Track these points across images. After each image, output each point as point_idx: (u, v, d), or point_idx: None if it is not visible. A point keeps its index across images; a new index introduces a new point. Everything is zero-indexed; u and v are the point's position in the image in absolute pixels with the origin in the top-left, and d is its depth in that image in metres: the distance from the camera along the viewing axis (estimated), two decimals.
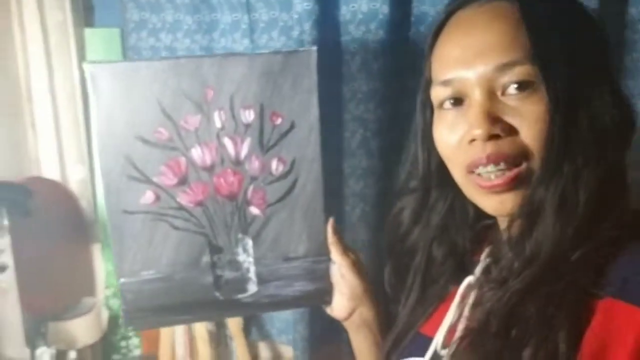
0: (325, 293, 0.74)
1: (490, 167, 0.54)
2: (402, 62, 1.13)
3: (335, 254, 0.73)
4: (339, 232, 0.74)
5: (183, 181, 0.68)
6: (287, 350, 1.37)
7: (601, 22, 0.59)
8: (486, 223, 0.66)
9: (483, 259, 0.63)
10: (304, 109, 0.69)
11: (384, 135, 1.15)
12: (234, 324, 1.22)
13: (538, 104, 0.53)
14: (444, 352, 0.60)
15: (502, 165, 0.54)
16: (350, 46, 1.27)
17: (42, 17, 1.26)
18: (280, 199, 0.71)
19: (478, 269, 0.62)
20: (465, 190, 0.59)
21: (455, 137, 0.57)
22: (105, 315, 1.30)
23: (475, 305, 0.59)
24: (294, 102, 0.69)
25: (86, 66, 0.63)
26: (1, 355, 0.92)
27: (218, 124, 0.67)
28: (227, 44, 1.29)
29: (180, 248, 0.70)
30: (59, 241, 1.10)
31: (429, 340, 0.62)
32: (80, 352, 1.14)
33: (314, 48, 0.69)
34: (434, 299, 0.67)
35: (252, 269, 0.72)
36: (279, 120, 0.69)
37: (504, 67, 0.54)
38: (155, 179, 0.67)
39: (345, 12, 1.26)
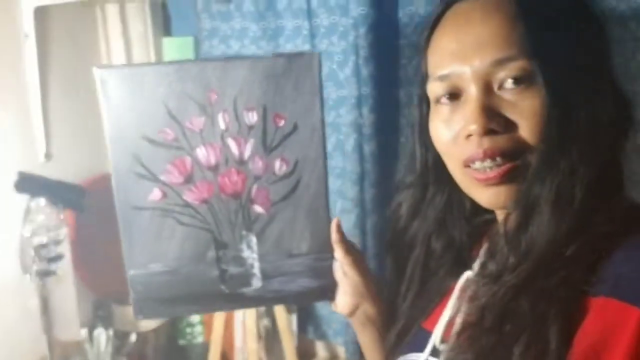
0: (328, 290, 0.75)
1: (487, 162, 0.54)
2: None
3: (338, 252, 0.74)
4: (342, 231, 0.75)
5: (189, 180, 0.70)
6: (343, 352, 1.38)
7: (602, 15, 0.57)
8: (485, 218, 0.65)
9: (481, 254, 0.62)
10: (307, 111, 0.70)
11: None
12: (282, 321, 1.25)
13: (535, 98, 0.52)
14: (442, 347, 0.61)
15: (498, 160, 0.54)
16: (407, 50, 1.25)
17: (125, 29, 1.38)
18: (284, 198, 0.72)
19: (476, 264, 0.62)
20: (461, 184, 0.59)
21: (452, 132, 0.57)
22: None
23: (472, 299, 0.59)
24: (297, 104, 0.70)
25: (95, 71, 0.66)
26: (57, 338, 1.03)
27: (222, 126, 0.70)
28: (292, 50, 1.34)
29: (186, 243, 0.72)
30: None
31: (429, 334, 0.63)
32: (141, 335, 1.24)
33: (317, 52, 0.70)
34: (434, 294, 0.67)
35: (257, 264, 0.74)
36: (281, 122, 0.70)
37: (501, 62, 0.53)
38: (162, 177, 0.70)
39: (402, 15, 1.25)
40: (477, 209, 0.63)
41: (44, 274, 0.99)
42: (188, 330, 1.45)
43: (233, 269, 0.74)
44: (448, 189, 0.65)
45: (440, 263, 0.68)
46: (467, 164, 0.56)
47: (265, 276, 0.74)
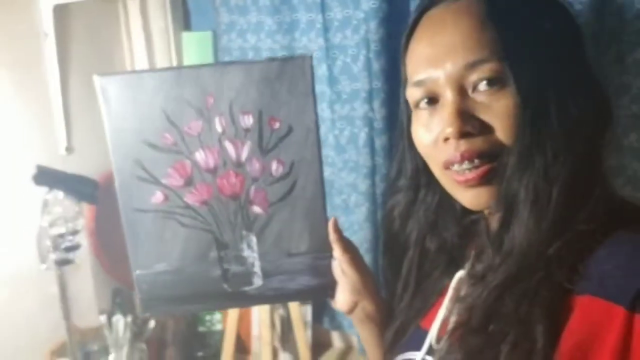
0: (328, 288, 0.76)
1: (465, 164, 0.55)
2: None
3: (337, 250, 0.75)
4: (339, 230, 0.76)
5: (189, 182, 0.72)
6: (357, 342, 1.39)
7: (574, 12, 0.56)
8: (474, 218, 0.66)
9: (471, 254, 0.63)
10: (301, 113, 0.71)
11: None
12: (295, 312, 1.27)
13: (508, 99, 0.53)
14: (438, 346, 0.61)
15: (476, 162, 0.54)
16: None
17: (146, 24, 1.41)
18: (281, 199, 0.74)
19: (468, 264, 0.63)
20: (445, 186, 0.60)
21: (431, 136, 0.58)
22: None
23: (462, 300, 0.60)
24: (291, 106, 0.71)
25: (95, 78, 0.69)
26: (76, 325, 1.07)
27: (219, 129, 0.71)
28: (307, 43, 1.34)
29: (189, 244, 0.74)
30: None
31: (426, 333, 0.64)
32: (160, 321, 1.28)
33: (309, 54, 0.71)
34: (430, 293, 0.68)
35: (257, 263, 0.76)
36: (277, 125, 0.71)
37: (473, 65, 0.53)
38: (163, 181, 0.72)
39: (414, 9, 1.24)
40: (466, 209, 0.63)
41: (62, 263, 1.04)
42: (207, 317, 1.50)
43: (235, 268, 0.76)
44: (439, 190, 0.65)
45: (435, 264, 0.68)
46: (446, 166, 0.56)
47: (266, 275, 0.76)
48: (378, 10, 1.16)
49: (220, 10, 1.41)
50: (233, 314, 1.33)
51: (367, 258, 0.79)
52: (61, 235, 1.05)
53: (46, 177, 1.01)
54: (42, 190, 1.02)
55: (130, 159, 0.71)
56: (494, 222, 0.57)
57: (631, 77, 1.04)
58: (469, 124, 0.54)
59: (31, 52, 1.14)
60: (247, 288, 0.76)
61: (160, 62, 1.45)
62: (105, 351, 1.20)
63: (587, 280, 0.48)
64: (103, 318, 1.17)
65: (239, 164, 0.73)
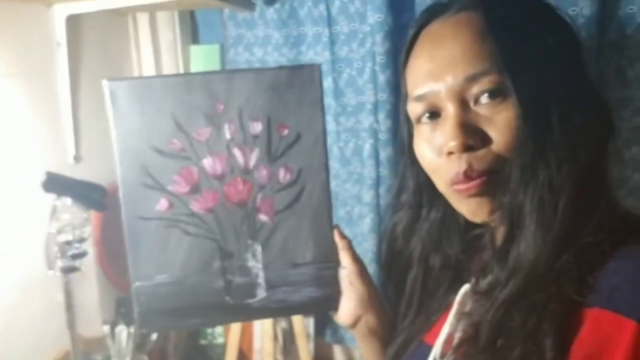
0: (332, 299, 0.75)
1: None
2: None
3: (346, 259, 0.74)
4: (347, 238, 0.76)
5: (195, 189, 0.72)
6: (359, 356, 1.38)
7: (572, 24, 0.57)
8: (478, 232, 0.65)
9: (477, 269, 0.62)
10: (310, 121, 0.72)
11: None
12: (298, 325, 1.27)
13: (509, 111, 0.53)
14: None
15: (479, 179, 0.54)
16: None
17: (155, 37, 1.43)
18: (288, 207, 0.74)
19: (473, 279, 0.62)
20: (448, 198, 0.60)
21: (434, 151, 0.58)
22: None
23: (467, 316, 0.59)
24: (300, 114, 0.71)
25: (105, 83, 0.69)
26: (80, 334, 1.07)
27: (228, 136, 0.71)
28: (313, 57, 1.35)
29: (192, 253, 0.73)
30: None
31: (430, 348, 0.63)
32: (161, 333, 1.28)
33: (319, 63, 0.72)
34: (435, 310, 0.67)
35: (261, 274, 0.75)
36: (285, 132, 0.72)
37: (473, 78, 0.53)
38: (169, 187, 0.72)
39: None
40: (470, 224, 0.62)
41: (68, 270, 1.04)
42: (209, 330, 1.49)
43: (238, 279, 0.75)
44: (442, 205, 0.65)
45: (439, 281, 0.68)
46: (451, 184, 0.56)
47: (270, 286, 0.75)
48: (383, 23, 1.18)
49: (228, 24, 1.43)
50: (235, 327, 1.33)
51: (372, 269, 0.78)
52: (68, 243, 1.05)
53: (55, 183, 1.01)
54: (50, 196, 1.03)
55: (137, 165, 0.71)
56: (499, 236, 0.57)
57: (632, 90, 1.05)
58: (471, 137, 0.53)
59: (44, 61, 1.15)
60: (250, 300, 0.75)
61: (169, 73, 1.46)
62: None
63: (596, 293, 0.48)
64: (106, 328, 1.16)
65: (246, 171, 0.73)
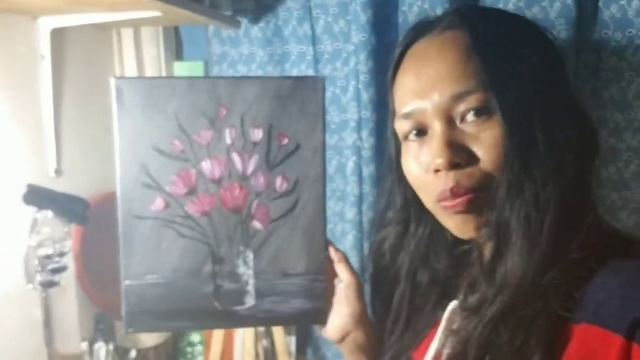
0: (321, 313, 0.75)
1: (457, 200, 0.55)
2: None
3: (344, 272, 0.74)
4: (344, 254, 0.75)
5: (192, 192, 0.72)
6: None
7: (556, 41, 0.59)
8: (465, 248, 0.66)
9: (465, 285, 0.63)
10: (310, 132, 0.73)
11: None
12: (280, 343, 1.25)
13: (495, 129, 0.54)
14: None
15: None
16: None
17: (139, 53, 1.43)
18: (283, 216, 0.74)
19: (461, 295, 0.63)
20: (436, 214, 0.60)
21: (422, 168, 0.58)
22: None
23: (455, 333, 0.59)
24: (301, 125, 0.73)
25: (112, 80, 0.69)
26: (58, 351, 1.03)
27: (229, 141, 0.72)
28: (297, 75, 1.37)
29: (184, 255, 0.73)
30: None
31: None
32: (141, 352, 1.24)
33: (322, 77, 0.73)
34: (423, 326, 0.67)
35: (252, 282, 0.75)
36: (285, 141, 0.73)
37: (459, 96, 0.55)
38: (167, 188, 0.72)
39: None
40: (458, 240, 0.63)
41: (48, 285, 1.01)
42: (189, 349, 1.45)
43: (228, 285, 0.74)
44: (430, 222, 0.65)
45: (426, 297, 0.68)
46: (439, 200, 0.57)
47: (259, 295, 0.74)
48: (367, 43, 1.21)
49: (213, 42, 1.45)
50: (216, 345, 1.30)
51: None
52: (48, 257, 1.02)
53: (37, 196, 0.99)
54: (31, 209, 1.01)
55: (137, 164, 0.71)
56: (487, 253, 0.57)
57: (609, 112, 1.10)
58: (458, 155, 0.54)
59: (28, 74, 1.14)
60: (238, 308, 0.75)
61: None
62: None
63: (583, 309, 0.48)
64: (85, 345, 1.13)
65: (244, 177, 0.74)
